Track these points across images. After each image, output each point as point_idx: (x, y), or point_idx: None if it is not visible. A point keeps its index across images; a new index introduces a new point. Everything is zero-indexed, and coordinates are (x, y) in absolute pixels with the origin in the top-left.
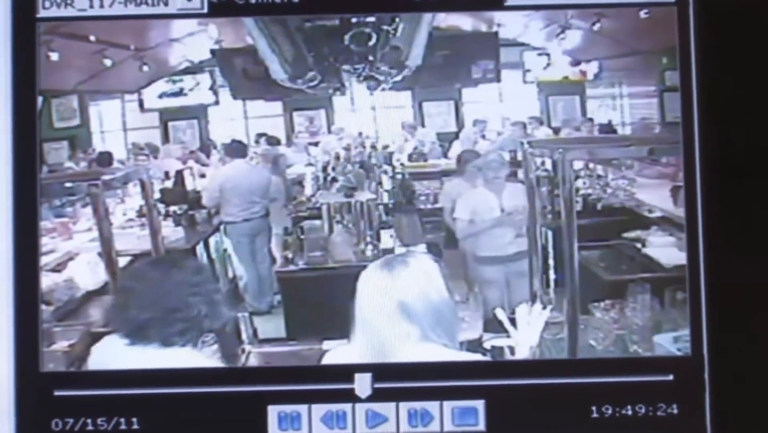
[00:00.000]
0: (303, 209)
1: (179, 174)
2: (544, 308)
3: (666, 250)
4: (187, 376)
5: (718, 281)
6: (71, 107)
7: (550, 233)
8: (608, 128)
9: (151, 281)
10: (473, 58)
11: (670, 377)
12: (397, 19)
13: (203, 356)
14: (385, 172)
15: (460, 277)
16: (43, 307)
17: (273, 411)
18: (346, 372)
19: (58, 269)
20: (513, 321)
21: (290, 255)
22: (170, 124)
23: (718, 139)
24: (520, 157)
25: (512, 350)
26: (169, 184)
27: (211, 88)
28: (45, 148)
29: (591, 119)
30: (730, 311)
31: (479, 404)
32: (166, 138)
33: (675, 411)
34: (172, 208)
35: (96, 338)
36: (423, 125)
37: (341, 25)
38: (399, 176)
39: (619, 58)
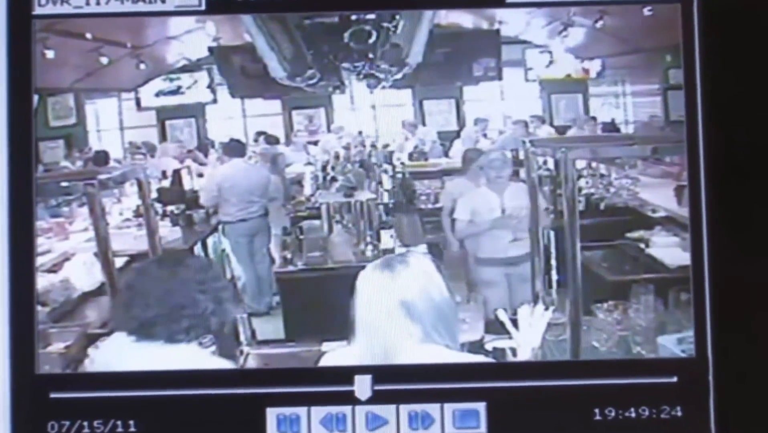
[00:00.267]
0: (302, 209)
1: (177, 173)
2: (547, 309)
3: (670, 250)
4: (185, 378)
5: (723, 282)
6: (67, 106)
7: (552, 233)
8: (611, 127)
9: (157, 278)
10: (474, 56)
11: (674, 379)
12: (397, 17)
13: (208, 353)
14: (386, 171)
15: (460, 278)
16: (39, 308)
17: (272, 414)
18: (345, 374)
19: (53, 269)
20: (515, 322)
21: (289, 255)
22: (167, 122)
23: (722, 138)
24: (521, 156)
25: (514, 351)
26: (166, 183)
27: (209, 86)
28: (41, 147)
29: (594, 118)
30: (735, 312)
31: (480, 407)
32: (163, 137)
33: (679, 414)
34: (170, 207)
35: (92, 339)
36: (424, 124)
37: (341, 22)
38: (399, 176)
39: (623, 56)
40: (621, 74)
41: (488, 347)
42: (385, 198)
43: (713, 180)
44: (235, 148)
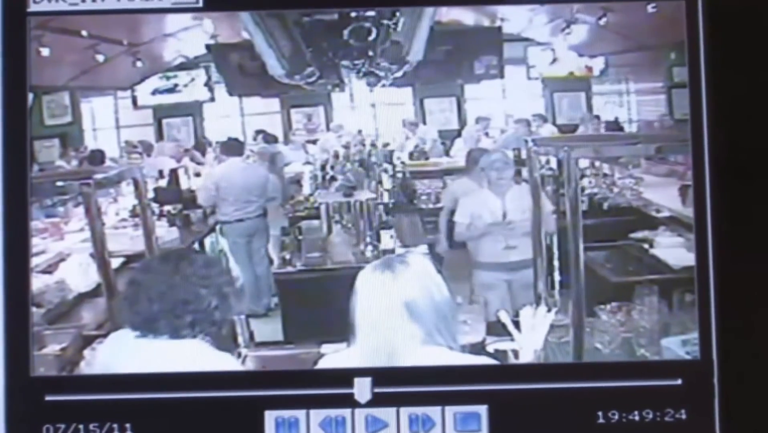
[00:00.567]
0: (301, 209)
1: (173, 173)
2: (549, 310)
3: (674, 251)
4: (182, 380)
5: (728, 283)
6: (63, 104)
7: (554, 234)
8: (615, 125)
9: (160, 274)
10: (476, 54)
11: (679, 382)
12: (397, 14)
13: (213, 348)
14: (386, 170)
15: (461, 279)
16: (34, 309)
17: (270, 416)
18: (345, 376)
19: (49, 270)
20: (517, 324)
21: (288, 256)
22: (164, 121)
23: (727, 137)
24: (524, 155)
25: (516, 353)
26: (163, 183)
27: (207, 84)
28: (35, 146)
29: (597, 116)
30: (740, 314)
31: (482, 410)
32: (160, 136)
33: (683, 417)
34: (167, 207)
35: (88, 341)
36: (424, 122)
37: (340, 19)
38: (399, 175)
39: (626, 54)
40: (624, 72)
41: (490, 349)
42: (385, 198)
43: (718, 179)
44: (233, 147)
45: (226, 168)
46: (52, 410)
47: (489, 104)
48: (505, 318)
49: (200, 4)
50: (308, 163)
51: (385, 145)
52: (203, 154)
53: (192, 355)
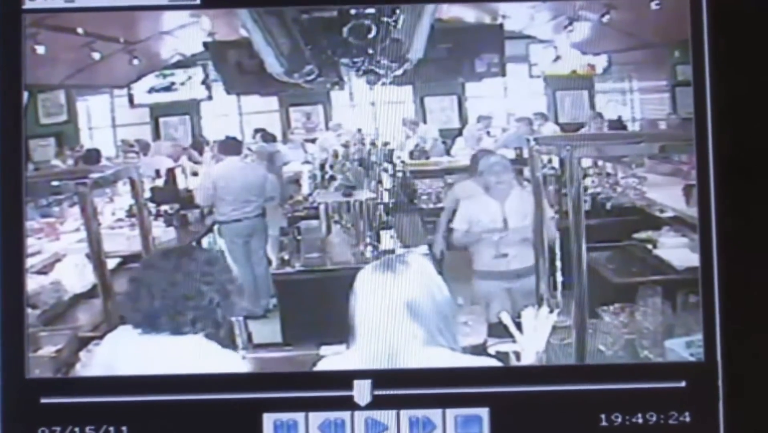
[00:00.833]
0: (300, 209)
1: (170, 172)
2: (551, 311)
3: (678, 251)
4: (179, 382)
5: (733, 284)
6: (58, 102)
7: (557, 234)
8: (618, 124)
9: (162, 270)
10: (477, 52)
11: (683, 384)
12: (397, 11)
13: (216, 344)
14: (386, 170)
15: (461, 280)
16: (29, 310)
17: (268, 419)
18: (344, 379)
19: (44, 271)
20: (518, 325)
21: (286, 257)
22: (161, 120)
23: (732, 136)
24: (526, 154)
25: (518, 355)
26: (160, 182)
27: (204, 82)
28: (31, 145)
29: (600, 114)
30: (745, 315)
31: (483, 412)
32: (157, 134)
33: (687, 419)
34: (163, 207)
35: (84, 342)
36: (425, 121)
37: (340, 16)
38: (400, 174)
39: (629, 52)
40: (628, 70)
41: (491, 350)
42: (385, 198)
43: (723, 179)
44: (230, 146)
45: (224, 167)
46: (47, 412)
47: (490, 103)
48: (507, 319)
49: (198, 2)
50: (307, 162)
51: (385, 144)
52: (200, 153)
53: (195, 351)
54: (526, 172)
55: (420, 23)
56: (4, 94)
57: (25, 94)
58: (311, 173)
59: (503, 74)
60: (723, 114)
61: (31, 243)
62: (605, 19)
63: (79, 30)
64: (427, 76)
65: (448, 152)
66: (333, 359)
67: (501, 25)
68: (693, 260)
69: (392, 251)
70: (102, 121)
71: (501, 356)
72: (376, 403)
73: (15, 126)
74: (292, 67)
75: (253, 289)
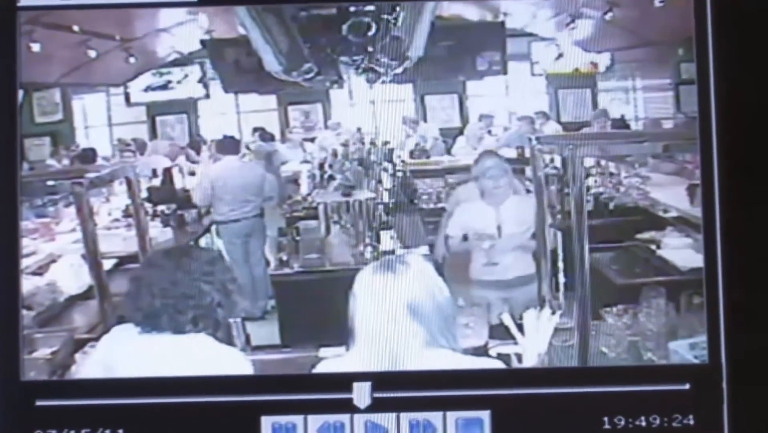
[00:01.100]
0: (298, 209)
1: (167, 172)
2: (553, 313)
3: (682, 252)
4: (176, 385)
5: (737, 285)
6: (53, 101)
7: (559, 234)
8: (621, 123)
9: (163, 269)
10: (478, 49)
11: (687, 387)
12: (397, 8)
13: (218, 342)
14: (385, 169)
15: (462, 281)
16: (24, 312)
17: (267, 422)
18: (343, 381)
19: (39, 271)
20: (520, 327)
21: (285, 257)
22: (158, 118)
23: (737, 135)
24: (527, 154)
25: (519, 357)
26: (156, 182)
27: (201, 80)
28: (26, 144)
29: (606, 112)
30: (750, 317)
31: (485, 415)
32: (153, 133)
33: (691, 422)
34: (160, 207)
35: (80, 344)
36: (425, 120)
37: (339, 14)
38: (400, 174)
39: (633, 50)
40: (631, 68)
41: (493, 352)
42: (385, 197)
43: (727, 179)
44: (228, 146)
45: (222, 167)
46: (42, 415)
47: (491, 101)
48: (509, 321)
49: None
50: (306, 161)
51: (385, 143)
52: (198, 152)
53: (198, 349)
54: (528, 171)
55: (420, 20)
56: None
57: (20, 93)
58: (310, 173)
59: (505, 72)
60: (727, 112)
61: (26, 244)
62: (608, 16)
63: (75, 27)
64: (427, 75)
65: (448, 151)
66: (332, 361)
67: (502, 23)
68: (697, 260)
69: (392, 252)
70: (98, 120)
71: (502, 358)
72: (376, 406)
73: (10, 125)
74: (290, 65)
75: (251, 290)
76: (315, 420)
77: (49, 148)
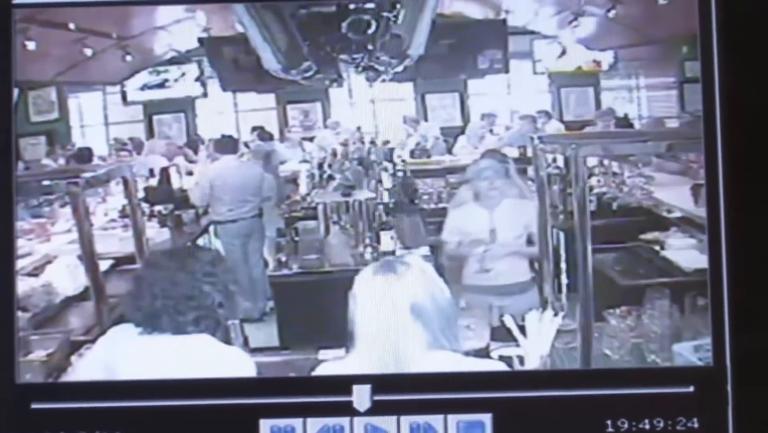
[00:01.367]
0: (297, 209)
1: (165, 171)
2: (556, 314)
3: (686, 253)
4: (174, 388)
5: (742, 286)
6: (49, 100)
7: (561, 235)
8: (624, 122)
9: (165, 269)
10: (480, 48)
11: (691, 389)
12: (398, 5)
13: (221, 342)
14: (386, 169)
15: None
16: (19, 314)
17: (265, 425)
18: (343, 384)
19: (35, 273)
20: (522, 329)
21: (284, 258)
22: (155, 117)
23: (742, 134)
24: (530, 153)
25: (521, 359)
26: (153, 182)
27: (199, 79)
28: (21, 143)
29: (612, 110)
30: (755, 319)
31: (486, 418)
32: (150, 133)
33: (695, 425)
34: (157, 207)
35: (76, 346)
36: (426, 119)
37: (338, 11)
38: (400, 174)
39: (636, 47)
40: (635, 67)
41: (494, 354)
42: (385, 197)
43: (732, 178)
44: (226, 145)
45: (220, 166)
46: (38, 418)
47: (493, 100)
48: (510, 323)
49: None
50: (305, 161)
51: (385, 142)
52: (196, 152)
53: (200, 349)
54: (530, 171)
55: (421, 18)
56: None
57: (16, 91)
58: (309, 173)
59: (506, 71)
60: (732, 111)
61: (22, 244)
62: (611, 14)
63: (71, 25)
64: (428, 73)
65: (449, 151)
66: (332, 363)
67: (504, 21)
68: (701, 261)
69: (392, 253)
70: (94, 118)
71: (504, 360)
72: (376, 408)
73: (5, 124)
74: (289, 63)
75: (250, 291)
76: (314, 423)
77: (44, 147)
